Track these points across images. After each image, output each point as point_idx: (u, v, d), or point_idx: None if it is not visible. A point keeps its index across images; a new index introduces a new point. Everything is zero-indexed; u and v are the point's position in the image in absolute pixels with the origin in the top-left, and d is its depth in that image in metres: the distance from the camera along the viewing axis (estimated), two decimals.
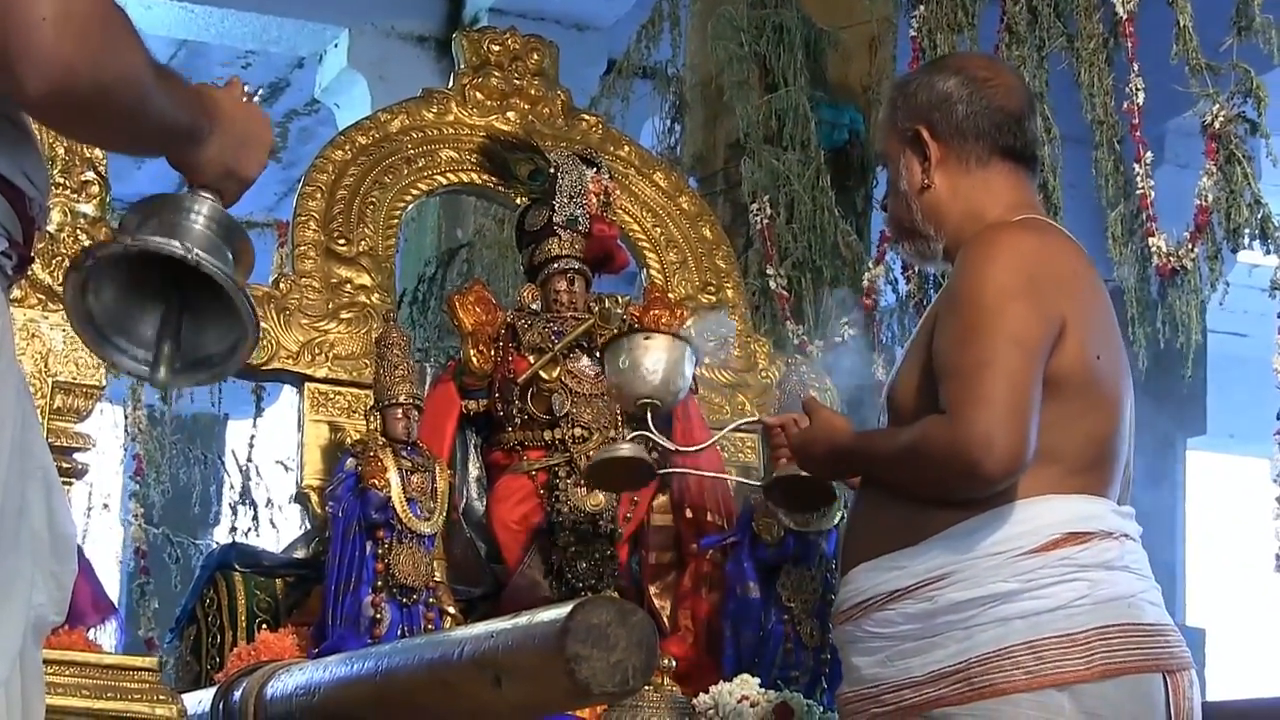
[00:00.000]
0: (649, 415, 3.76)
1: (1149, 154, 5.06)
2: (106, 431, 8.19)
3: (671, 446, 3.89)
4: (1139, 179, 5.06)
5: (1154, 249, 5.01)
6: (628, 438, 3.82)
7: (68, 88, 1.92)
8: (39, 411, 3.81)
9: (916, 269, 5.89)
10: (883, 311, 6.34)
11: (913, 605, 2.96)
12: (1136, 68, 5.08)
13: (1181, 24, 4.93)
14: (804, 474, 3.50)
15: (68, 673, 3.29)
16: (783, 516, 4.01)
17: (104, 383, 3.78)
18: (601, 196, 4.46)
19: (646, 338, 3.81)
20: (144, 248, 2.14)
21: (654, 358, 3.77)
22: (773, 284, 6.46)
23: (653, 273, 4.86)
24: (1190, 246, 4.93)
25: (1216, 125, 4.85)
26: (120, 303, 2.20)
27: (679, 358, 3.80)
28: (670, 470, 4.09)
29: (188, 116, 2.13)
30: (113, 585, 9.53)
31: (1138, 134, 5.06)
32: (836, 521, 4.05)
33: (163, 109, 2.06)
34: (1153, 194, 5.03)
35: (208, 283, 2.15)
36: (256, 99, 2.32)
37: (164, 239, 2.13)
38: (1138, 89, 5.05)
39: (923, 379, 3.04)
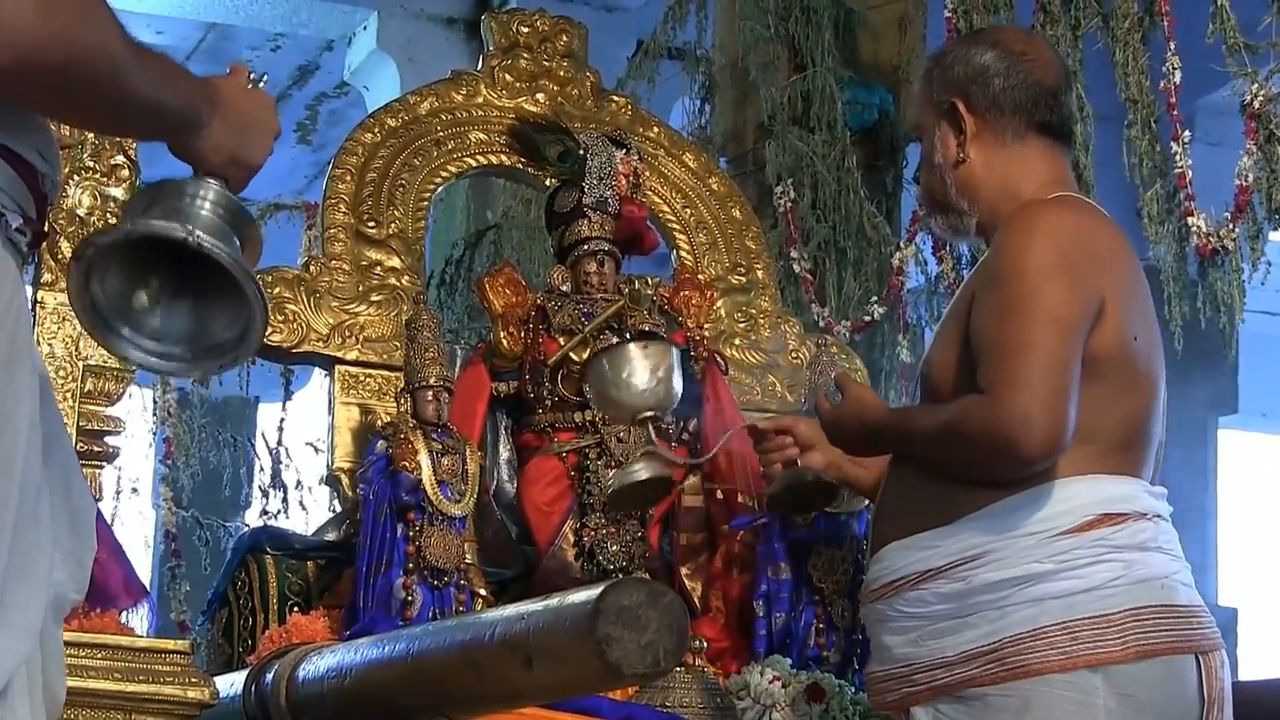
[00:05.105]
0: (652, 428, 3.71)
1: (1186, 133, 5.02)
2: (136, 415, 8.22)
3: (679, 461, 3.85)
4: (1177, 158, 5.02)
5: (1193, 229, 4.98)
6: (639, 456, 3.74)
7: (33, 59, 1.88)
8: (71, 395, 3.82)
9: (949, 248, 5.87)
10: (911, 293, 6.32)
11: (946, 585, 2.95)
12: (1173, 46, 5.04)
13: (1219, 3, 4.89)
14: (807, 476, 3.66)
15: (100, 656, 3.29)
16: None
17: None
18: (631, 178, 4.44)
19: (644, 347, 3.69)
20: (144, 231, 2.10)
21: (652, 367, 3.66)
22: (796, 267, 6.44)
23: (683, 254, 4.84)
24: (1231, 226, 4.89)
25: (1256, 105, 4.82)
26: (126, 292, 2.15)
27: (673, 363, 3.71)
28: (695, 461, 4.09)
29: (178, 100, 2.09)
30: (143, 568, 9.56)
31: (1175, 113, 5.02)
32: (866, 503, 4.04)
33: (143, 87, 2.02)
34: (1190, 173, 4.99)
35: (214, 268, 2.10)
36: (263, 84, 2.28)
37: (165, 222, 2.09)
38: (1175, 68, 5.01)
39: (959, 356, 3.02)
